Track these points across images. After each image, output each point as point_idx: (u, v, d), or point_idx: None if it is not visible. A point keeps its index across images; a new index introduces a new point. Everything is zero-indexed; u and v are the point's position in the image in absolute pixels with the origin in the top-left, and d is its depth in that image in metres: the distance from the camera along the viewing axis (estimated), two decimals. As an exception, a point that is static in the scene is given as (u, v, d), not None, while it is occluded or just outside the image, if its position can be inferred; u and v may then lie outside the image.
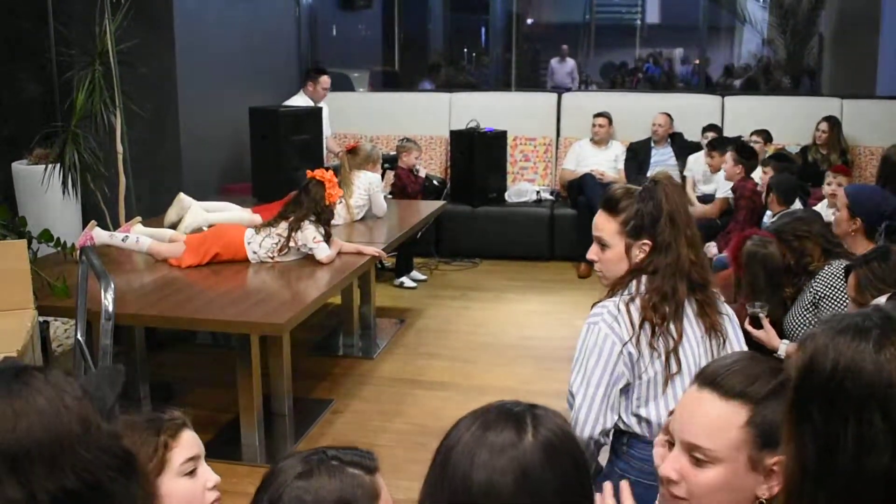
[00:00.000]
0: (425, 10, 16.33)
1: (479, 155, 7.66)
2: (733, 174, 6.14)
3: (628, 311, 2.29)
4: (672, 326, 2.28)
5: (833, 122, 7.48)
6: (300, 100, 7.39)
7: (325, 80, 7.48)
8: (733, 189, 6.17)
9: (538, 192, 7.88)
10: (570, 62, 14.84)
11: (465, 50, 17.53)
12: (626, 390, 2.30)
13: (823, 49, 14.28)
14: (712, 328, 2.35)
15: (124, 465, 0.97)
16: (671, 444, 1.53)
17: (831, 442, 1.01)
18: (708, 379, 1.50)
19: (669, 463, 1.49)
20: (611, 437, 2.35)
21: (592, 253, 2.44)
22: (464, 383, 5.01)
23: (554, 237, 7.59)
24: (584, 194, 7.31)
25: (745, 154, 6.19)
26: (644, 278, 2.32)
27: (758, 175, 6.03)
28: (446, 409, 4.56)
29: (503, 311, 6.36)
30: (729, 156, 6.23)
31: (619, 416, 2.30)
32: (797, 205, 5.39)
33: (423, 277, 7.07)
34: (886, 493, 0.97)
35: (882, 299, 2.42)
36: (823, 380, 1.03)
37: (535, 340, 5.66)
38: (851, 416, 0.99)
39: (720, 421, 1.45)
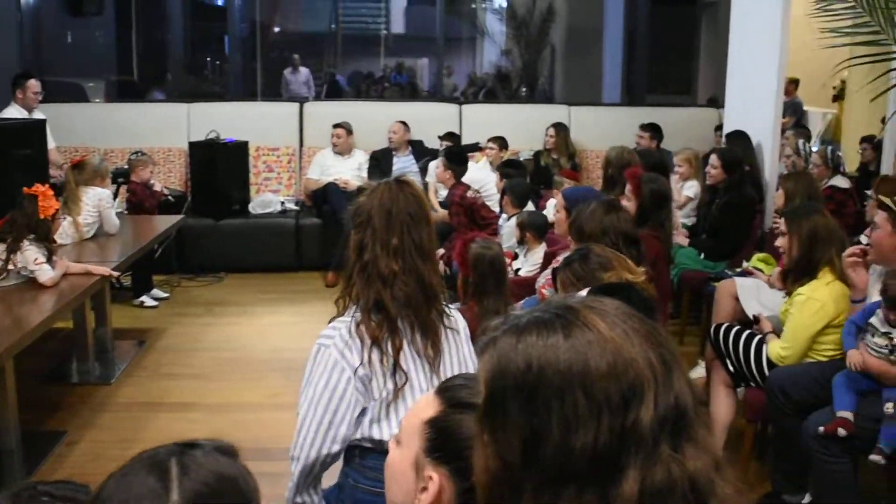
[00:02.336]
0: (163, 17, 15.72)
1: (220, 166, 7.50)
2: (444, 179, 6.31)
3: (359, 334, 2.24)
4: (389, 342, 2.24)
5: (560, 128, 7.93)
6: (13, 111, 6.87)
7: (32, 84, 7.00)
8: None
9: (283, 203, 7.83)
10: (305, 71, 14.77)
11: (209, 59, 17.07)
12: (361, 412, 2.26)
13: (555, 59, 15.10)
14: (432, 343, 2.32)
15: None
16: None
17: (536, 430, 1.04)
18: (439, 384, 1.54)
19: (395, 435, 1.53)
20: (339, 458, 2.30)
21: None
22: (210, 402, 4.87)
23: (301, 247, 7.56)
24: (328, 203, 7.33)
25: (455, 160, 6.39)
26: (358, 285, 2.29)
27: (494, 179, 6.27)
28: (191, 432, 4.33)
29: (251, 326, 6.25)
30: (440, 161, 6.41)
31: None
32: (530, 206, 5.67)
33: (165, 295, 6.82)
34: (589, 467, 1.02)
35: (583, 293, 2.56)
36: (519, 378, 1.05)
37: (285, 352, 5.59)
38: (554, 403, 1.03)
39: (417, 408, 1.48)
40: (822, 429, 3.28)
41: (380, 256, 2.26)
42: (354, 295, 2.29)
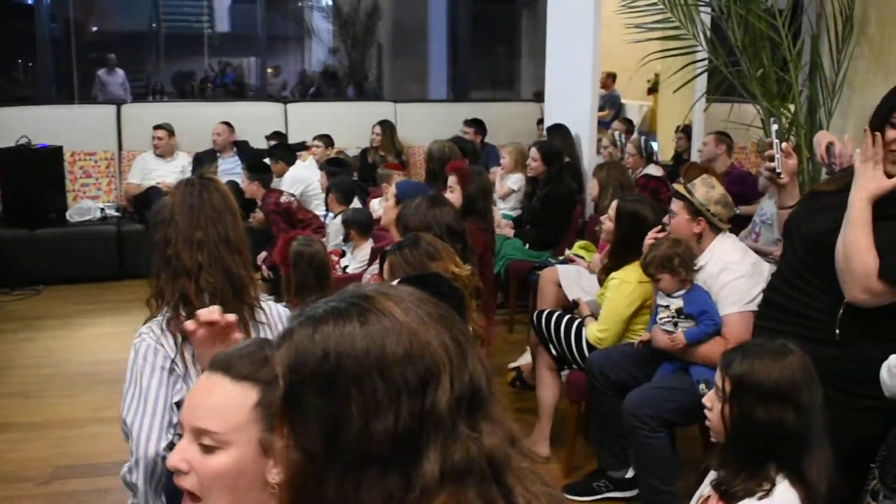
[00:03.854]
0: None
1: (33, 174, 7.15)
2: (253, 192, 6.23)
3: (171, 330, 2.22)
4: None
5: (386, 126, 7.99)
6: None
7: None
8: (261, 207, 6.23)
9: (103, 209, 7.56)
10: (121, 72, 14.22)
11: (20, 60, 16.19)
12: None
13: (382, 57, 15.17)
14: (245, 337, 2.25)
15: None
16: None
17: (337, 418, 1.05)
18: (218, 364, 1.50)
19: (178, 453, 1.46)
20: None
21: None
22: (30, 421, 4.65)
23: (123, 255, 7.29)
24: (150, 209, 7.09)
25: (257, 169, 6.33)
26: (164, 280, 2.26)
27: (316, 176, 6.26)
28: (10, 453, 4.21)
29: (73, 339, 6.00)
30: (243, 174, 6.34)
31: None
32: (356, 203, 5.67)
33: (-23, 312, 6.45)
34: (391, 451, 1.04)
35: (394, 283, 2.59)
36: (316, 368, 1.07)
37: (109, 364, 5.38)
38: (354, 390, 1.05)
39: (230, 402, 1.45)
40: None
41: (183, 250, 2.24)
42: (166, 292, 2.25)
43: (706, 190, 3.57)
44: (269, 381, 1.42)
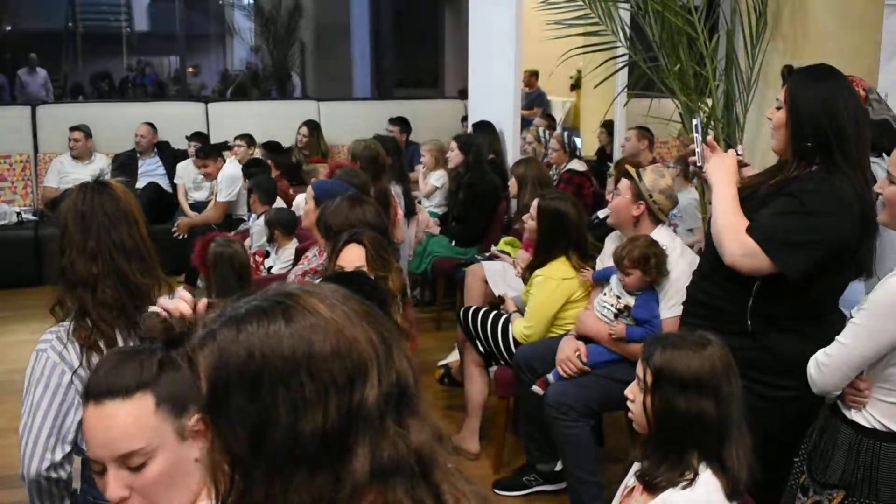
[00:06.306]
0: None
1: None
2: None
3: (77, 338, 2.17)
4: (105, 345, 2.18)
5: (312, 126, 7.93)
6: None
7: None
8: None
9: (19, 214, 7.36)
10: (42, 72, 13.90)
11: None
12: None
13: (305, 56, 15.06)
14: None
15: None
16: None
17: (264, 419, 1.03)
18: (100, 391, 1.50)
19: (113, 485, 1.46)
20: (70, 468, 2.21)
21: None
22: (-63, 435, 4.48)
23: (41, 260, 7.08)
24: (66, 213, 6.93)
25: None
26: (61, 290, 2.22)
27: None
28: None
29: (-11, 346, 5.82)
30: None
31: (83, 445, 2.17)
32: (280, 203, 5.61)
33: None
34: (319, 449, 1.03)
35: (317, 281, 2.57)
36: (241, 368, 1.05)
37: (24, 373, 5.22)
38: (281, 390, 1.03)
39: (136, 418, 1.47)
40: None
41: (77, 260, 2.19)
42: (66, 302, 2.21)
43: (655, 177, 3.61)
44: (153, 380, 1.50)
